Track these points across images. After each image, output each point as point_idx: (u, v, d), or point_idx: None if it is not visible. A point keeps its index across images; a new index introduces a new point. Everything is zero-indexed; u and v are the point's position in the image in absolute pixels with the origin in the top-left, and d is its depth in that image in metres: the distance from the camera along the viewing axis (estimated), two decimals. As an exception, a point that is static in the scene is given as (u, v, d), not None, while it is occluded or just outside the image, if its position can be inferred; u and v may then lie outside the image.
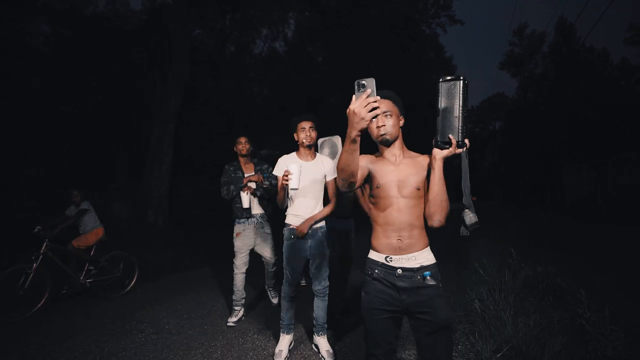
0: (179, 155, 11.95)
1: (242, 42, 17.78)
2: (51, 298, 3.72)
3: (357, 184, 1.48)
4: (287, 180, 2.26)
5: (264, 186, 3.38)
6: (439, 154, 1.38)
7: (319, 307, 2.67)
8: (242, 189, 3.30)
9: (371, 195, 1.55)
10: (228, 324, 3.27)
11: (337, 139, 3.13)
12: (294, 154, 2.68)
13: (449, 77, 1.35)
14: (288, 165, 2.29)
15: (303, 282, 4.58)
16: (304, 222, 2.55)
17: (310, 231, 2.57)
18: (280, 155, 2.72)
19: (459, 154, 1.38)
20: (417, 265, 1.47)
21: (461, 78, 1.34)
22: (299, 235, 2.54)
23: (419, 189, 1.49)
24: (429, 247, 1.52)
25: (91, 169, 12.15)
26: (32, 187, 9.21)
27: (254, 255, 3.51)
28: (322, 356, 2.64)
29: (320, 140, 3.16)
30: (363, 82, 1.23)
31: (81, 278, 4.20)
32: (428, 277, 1.45)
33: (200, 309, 3.80)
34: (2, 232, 6.35)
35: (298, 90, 18.22)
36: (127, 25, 14.85)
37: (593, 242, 6.95)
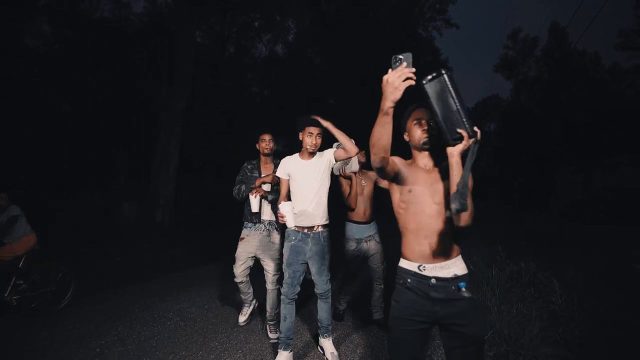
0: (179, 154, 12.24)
1: (242, 44, 18.05)
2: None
3: (388, 166, 1.44)
4: (284, 221, 2.40)
5: (272, 196, 3.10)
6: (454, 150, 1.38)
7: (323, 309, 2.69)
8: (251, 190, 3.00)
9: (402, 201, 1.55)
10: (239, 323, 3.29)
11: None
12: (296, 155, 2.70)
13: (430, 77, 1.33)
14: (280, 208, 2.40)
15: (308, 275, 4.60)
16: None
17: (311, 234, 2.58)
18: (282, 149, 2.94)
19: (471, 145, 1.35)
20: (451, 275, 1.45)
21: (442, 72, 1.32)
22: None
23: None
24: (460, 256, 1.51)
25: (91, 169, 12.39)
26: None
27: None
28: (327, 359, 2.68)
29: (334, 145, 3.02)
30: (400, 56, 1.24)
31: (6, 294, 3.63)
32: (463, 289, 1.43)
33: (217, 299, 4.17)
34: None
35: (298, 90, 18.45)
36: (128, 26, 15.02)
37: (583, 241, 7.35)
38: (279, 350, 2.58)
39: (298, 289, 2.60)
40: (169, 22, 10.87)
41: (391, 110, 1.27)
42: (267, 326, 3.17)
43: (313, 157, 2.66)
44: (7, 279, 3.71)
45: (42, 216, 8.29)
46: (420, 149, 1.57)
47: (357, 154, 2.60)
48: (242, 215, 3.24)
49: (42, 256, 4.31)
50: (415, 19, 23.44)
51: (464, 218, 1.38)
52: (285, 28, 15.67)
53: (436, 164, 1.59)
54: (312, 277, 2.65)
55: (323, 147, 2.71)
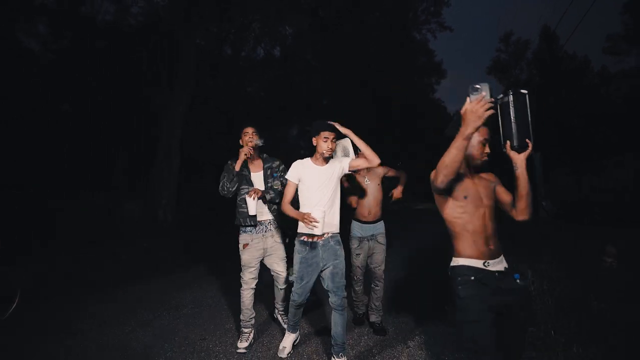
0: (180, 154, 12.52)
1: (239, 47, 18.30)
2: None
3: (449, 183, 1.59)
4: (312, 227, 2.34)
5: (270, 195, 2.94)
6: (521, 156, 1.59)
7: (338, 324, 2.47)
8: (236, 181, 2.89)
9: (458, 207, 1.67)
10: (238, 350, 2.86)
11: (348, 142, 2.96)
12: (308, 160, 2.61)
13: (521, 90, 1.55)
14: (312, 212, 2.35)
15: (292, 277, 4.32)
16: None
17: (320, 242, 2.50)
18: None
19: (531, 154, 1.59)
20: (505, 268, 1.65)
21: (527, 92, 1.54)
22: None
23: (493, 199, 1.72)
24: None
25: (91, 169, 12.57)
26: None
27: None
28: None
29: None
30: (477, 86, 1.34)
31: None
32: (518, 279, 1.63)
33: (229, 290, 4.51)
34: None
35: (297, 90, 18.67)
36: (129, 27, 15.14)
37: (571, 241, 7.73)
38: (286, 332, 2.77)
39: (307, 296, 2.58)
40: (169, 22, 11.06)
41: (471, 136, 1.40)
42: (279, 317, 3.22)
43: (327, 163, 2.58)
44: None
45: (42, 216, 8.55)
46: (478, 162, 1.74)
47: (378, 165, 2.54)
48: (234, 219, 3.01)
49: (38, 258, 4.33)
50: (410, 22, 23.91)
51: (529, 211, 1.64)
52: (284, 36, 15.97)
53: (472, 171, 1.77)
54: (326, 287, 2.53)
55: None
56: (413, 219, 14.72)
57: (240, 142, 3.00)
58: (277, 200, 2.97)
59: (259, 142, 2.96)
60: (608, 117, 21.64)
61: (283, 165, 3.06)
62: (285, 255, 3.04)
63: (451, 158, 1.42)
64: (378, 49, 20.28)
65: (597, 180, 13.70)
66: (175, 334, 3.25)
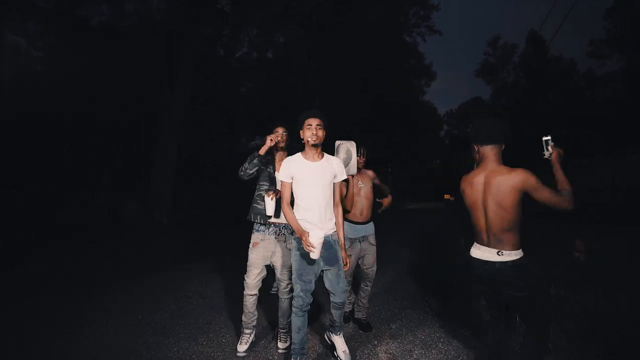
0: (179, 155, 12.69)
1: (232, 48, 18.47)
2: None
3: None
4: (309, 250, 2.25)
5: None
6: (554, 159, 2.03)
7: (336, 314, 2.58)
8: (266, 191, 2.76)
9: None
10: (238, 354, 2.81)
11: (352, 145, 2.97)
12: (299, 154, 2.49)
13: (546, 138, 2.08)
14: (310, 235, 2.23)
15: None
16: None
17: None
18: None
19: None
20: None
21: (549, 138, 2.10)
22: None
23: None
24: None
25: (91, 169, 12.72)
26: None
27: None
28: (339, 356, 2.59)
29: (336, 143, 3.00)
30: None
31: None
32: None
33: (229, 282, 4.86)
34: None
35: (292, 91, 18.88)
36: (125, 28, 15.18)
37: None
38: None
39: (311, 299, 2.45)
40: (168, 23, 11.23)
41: None
42: (278, 334, 2.99)
43: (321, 158, 2.48)
44: None
45: (42, 216, 8.73)
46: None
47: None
48: (246, 214, 2.92)
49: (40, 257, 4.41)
50: (401, 25, 24.37)
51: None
52: (277, 43, 16.23)
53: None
54: (328, 287, 2.50)
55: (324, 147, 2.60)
56: (406, 218, 15.12)
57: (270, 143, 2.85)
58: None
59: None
60: (593, 120, 22.33)
61: None
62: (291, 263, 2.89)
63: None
64: (377, 48, 20.52)
65: (588, 180, 14.39)
66: (177, 332, 3.57)
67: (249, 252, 2.85)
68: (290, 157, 2.48)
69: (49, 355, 2.89)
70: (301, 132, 2.46)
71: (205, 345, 3.03)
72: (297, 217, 2.42)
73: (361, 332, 3.26)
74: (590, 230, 7.78)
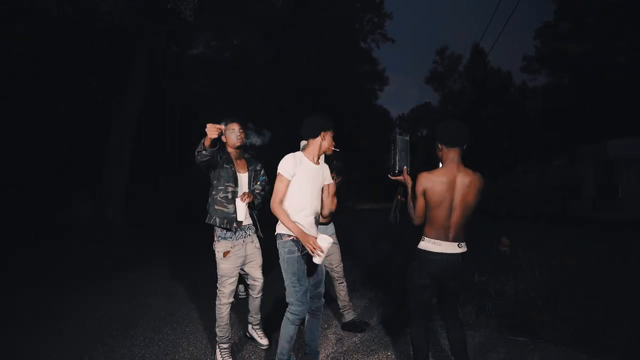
0: (157, 156, 12.58)
1: (186, 46, 18.06)
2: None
3: None
4: (315, 254, 2.12)
5: (257, 200, 2.79)
6: (400, 177, 2.25)
7: (314, 328, 2.44)
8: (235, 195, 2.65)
9: None
10: None
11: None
12: (300, 153, 2.35)
13: (405, 137, 2.22)
14: (320, 239, 2.15)
15: (242, 294, 4.15)
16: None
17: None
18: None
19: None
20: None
21: (409, 137, 2.15)
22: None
23: None
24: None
25: (43, 167, 12.00)
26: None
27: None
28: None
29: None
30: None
31: None
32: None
33: (193, 279, 5.05)
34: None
35: (249, 93, 18.86)
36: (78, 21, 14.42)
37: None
38: None
39: (308, 305, 2.31)
40: (123, 21, 10.89)
41: None
42: (254, 332, 2.94)
43: (319, 163, 2.42)
44: None
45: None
46: None
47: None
48: (205, 217, 2.69)
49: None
50: (356, 32, 25.27)
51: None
52: (232, 45, 16.25)
53: None
54: (310, 291, 2.36)
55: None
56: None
57: (223, 139, 2.69)
58: (259, 205, 2.85)
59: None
60: (525, 130, 24.56)
61: (264, 169, 2.92)
62: (262, 261, 2.87)
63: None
64: (334, 53, 20.92)
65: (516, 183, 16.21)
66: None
67: (220, 263, 2.64)
68: (292, 153, 2.31)
69: (13, 353, 3.03)
70: (322, 134, 2.33)
71: (169, 334, 3.32)
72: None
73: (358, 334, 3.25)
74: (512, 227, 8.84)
